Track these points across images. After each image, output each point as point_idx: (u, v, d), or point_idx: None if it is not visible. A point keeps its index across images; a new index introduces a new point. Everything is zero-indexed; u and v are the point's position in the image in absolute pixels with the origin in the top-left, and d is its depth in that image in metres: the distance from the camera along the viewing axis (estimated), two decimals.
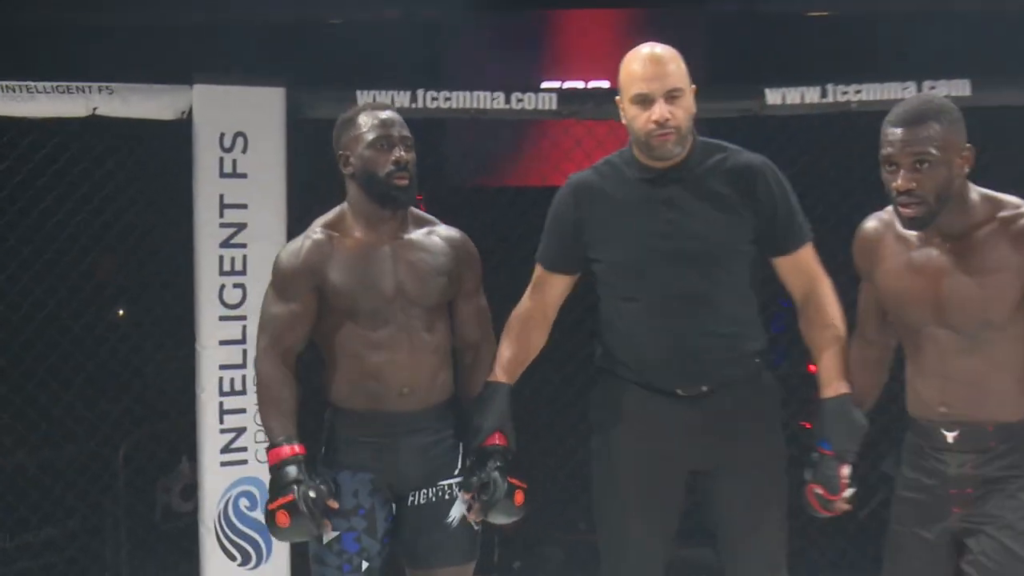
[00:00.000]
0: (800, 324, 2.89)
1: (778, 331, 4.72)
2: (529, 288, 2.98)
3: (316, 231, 2.90)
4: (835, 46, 6.12)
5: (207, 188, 4.29)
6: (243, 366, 4.35)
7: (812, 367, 5.34)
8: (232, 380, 4.34)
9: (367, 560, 2.83)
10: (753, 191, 2.78)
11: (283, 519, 2.73)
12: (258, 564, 4.41)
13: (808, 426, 5.26)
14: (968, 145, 2.54)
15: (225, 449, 4.35)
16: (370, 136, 2.84)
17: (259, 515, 4.38)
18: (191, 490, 4.47)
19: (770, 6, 6.66)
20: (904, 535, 2.71)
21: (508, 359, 2.89)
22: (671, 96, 2.70)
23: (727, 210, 2.77)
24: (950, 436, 2.60)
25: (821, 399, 2.81)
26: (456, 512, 2.90)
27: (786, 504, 2.91)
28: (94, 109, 4.12)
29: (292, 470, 2.75)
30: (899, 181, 2.46)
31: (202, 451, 4.36)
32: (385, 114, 2.89)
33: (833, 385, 2.79)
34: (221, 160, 4.30)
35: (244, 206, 4.30)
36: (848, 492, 2.73)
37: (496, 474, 2.76)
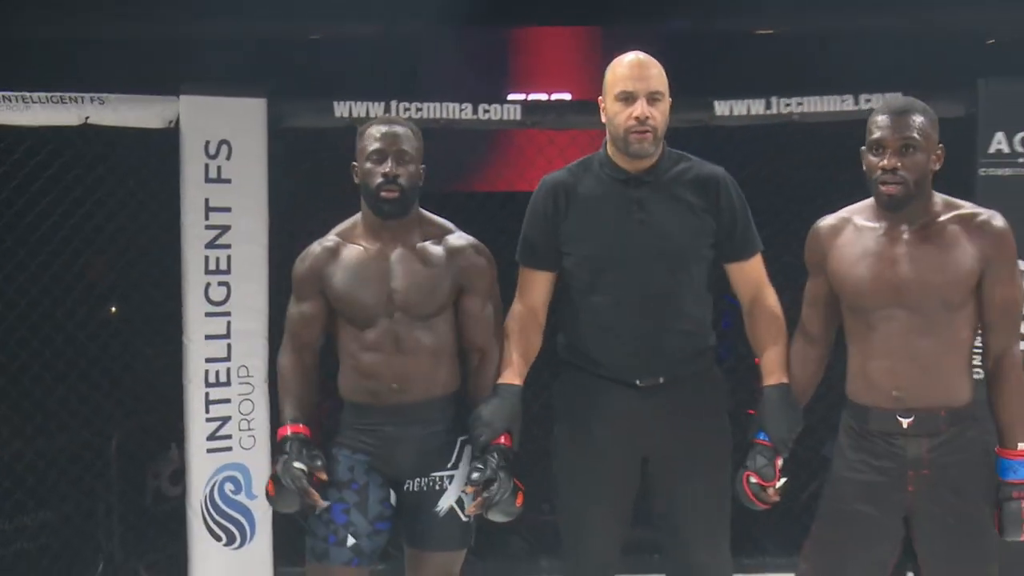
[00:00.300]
0: (747, 323, 2.95)
1: (726, 327, 4.77)
2: (517, 291, 3.00)
3: (329, 238, 2.97)
4: (779, 62, 6.18)
5: (193, 192, 4.32)
6: (227, 359, 4.38)
7: (758, 360, 5.41)
8: (217, 372, 4.37)
9: (354, 536, 2.84)
10: (716, 200, 2.84)
11: (270, 488, 2.84)
12: (242, 544, 4.44)
13: (753, 413, 5.34)
14: (940, 144, 2.70)
15: (211, 437, 4.38)
16: (369, 149, 2.87)
17: (243, 498, 4.42)
18: (179, 475, 4.48)
19: (720, 25, 6.72)
20: (846, 512, 2.75)
21: (515, 360, 2.89)
22: (652, 98, 2.76)
23: (692, 215, 2.82)
24: (905, 422, 2.67)
25: (763, 387, 2.87)
26: (444, 503, 2.92)
27: (730, 490, 2.94)
28: (86, 118, 4.14)
29: (286, 446, 2.83)
30: (886, 160, 2.59)
31: (189, 439, 4.39)
32: (387, 128, 2.90)
33: (775, 375, 2.85)
34: (206, 166, 4.33)
35: (228, 209, 4.34)
36: (781, 482, 2.76)
37: (503, 473, 2.77)
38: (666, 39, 6.28)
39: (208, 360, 4.36)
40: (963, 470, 2.68)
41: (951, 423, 2.67)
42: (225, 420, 4.40)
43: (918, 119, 2.63)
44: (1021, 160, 4.38)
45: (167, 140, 4.32)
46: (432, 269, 2.89)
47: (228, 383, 4.38)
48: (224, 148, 4.33)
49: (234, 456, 4.41)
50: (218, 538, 4.41)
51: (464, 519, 2.93)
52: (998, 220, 2.70)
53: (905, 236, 2.68)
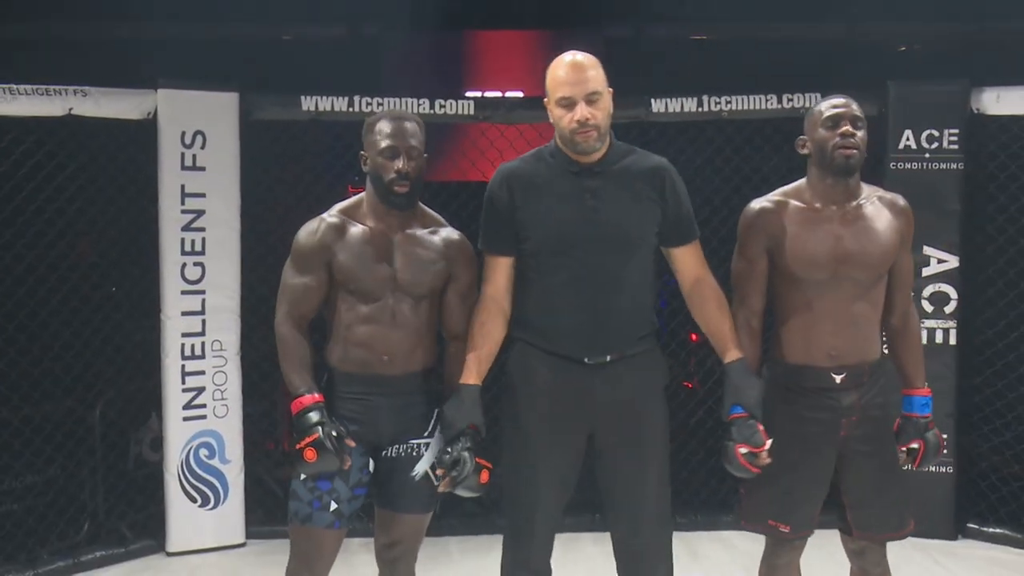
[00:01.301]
0: (692, 304, 2.88)
1: (663, 306, 4.77)
2: (483, 278, 2.90)
3: (333, 214, 2.87)
4: (711, 65, 6.19)
5: (170, 179, 4.26)
6: (202, 334, 4.33)
7: (694, 336, 5.42)
8: (192, 346, 4.31)
9: (336, 502, 2.80)
10: (662, 189, 2.79)
11: (311, 455, 2.72)
12: (216, 505, 4.39)
13: (690, 386, 5.35)
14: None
15: (187, 406, 4.34)
16: (381, 145, 2.78)
17: (216, 463, 4.36)
18: (160, 442, 4.42)
19: (658, 30, 6.71)
20: (786, 460, 2.77)
21: (475, 359, 2.82)
22: (590, 99, 2.68)
23: (640, 203, 2.77)
24: (838, 378, 2.79)
25: (725, 364, 2.81)
26: (420, 468, 2.88)
27: (668, 460, 2.90)
28: (70, 109, 4.05)
29: (314, 415, 2.74)
30: (846, 127, 2.73)
31: (166, 408, 4.34)
32: (398, 124, 2.80)
33: (733, 351, 2.80)
34: (182, 155, 4.28)
35: (203, 195, 4.29)
36: (769, 442, 2.72)
37: (466, 454, 2.74)
38: (608, 43, 6.27)
39: (184, 335, 4.30)
40: (881, 411, 2.85)
41: (871, 374, 2.82)
42: (200, 390, 4.35)
43: (858, 106, 2.82)
44: (927, 155, 4.41)
45: (145, 131, 4.25)
46: (430, 254, 2.84)
47: (203, 356, 4.33)
48: (199, 138, 4.27)
49: (208, 424, 4.36)
50: (193, 500, 4.36)
51: (436, 483, 2.90)
52: (904, 201, 2.89)
53: (841, 214, 2.79)
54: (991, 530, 4.47)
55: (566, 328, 2.76)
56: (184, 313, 4.28)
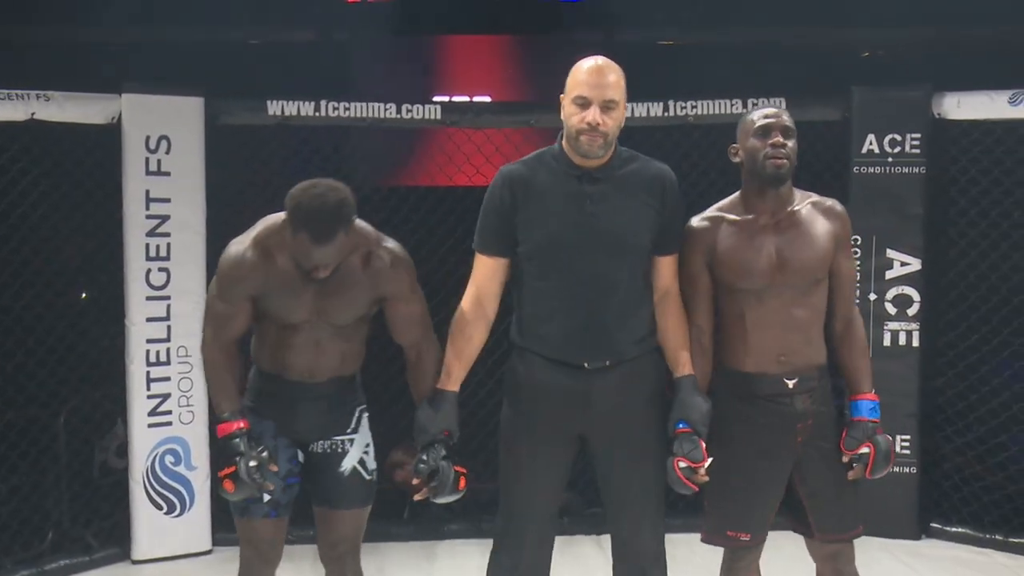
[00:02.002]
0: (657, 312, 2.86)
1: None
2: (471, 278, 2.87)
3: (256, 244, 2.75)
4: (679, 69, 6.21)
5: (134, 184, 4.23)
6: (167, 340, 4.30)
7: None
8: (158, 352, 4.28)
9: (269, 494, 2.82)
10: (662, 196, 2.79)
11: (229, 487, 2.75)
12: (182, 512, 4.36)
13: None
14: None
15: (152, 412, 4.31)
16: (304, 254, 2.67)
17: (183, 469, 4.33)
18: (125, 449, 4.38)
19: (626, 36, 6.72)
20: (744, 468, 2.81)
21: (451, 363, 2.81)
22: (606, 106, 2.68)
23: (640, 209, 2.76)
24: (791, 383, 2.80)
25: (674, 379, 2.82)
26: (347, 464, 2.90)
27: (665, 464, 2.87)
28: (32, 114, 4.01)
29: (237, 443, 2.74)
30: (777, 138, 2.75)
31: (132, 414, 4.31)
32: (318, 250, 2.63)
33: (686, 366, 2.82)
34: (147, 160, 4.25)
35: (168, 200, 4.26)
36: (708, 461, 2.74)
37: (444, 463, 2.74)
38: (575, 48, 6.26)
39: (149, 341, 4.26)
40: (829, 415, 2.87)
41: (819, 377, 2.84)
42: (165, 397, 4.31)
43: (789, 116, 2.83)
44: (889, 159, 4.45)
45: (110, 135, 4.21)
46: (352, 285, 2.78)
47: (168, 362, 4.29)
48: (164, 143, 4.24)
49: (174, 430, 4.32)
50: (159, 507, 4.32)
51: (367, 478, 2.92)
52: (840, 205, 2.89)
53: (775, 223, 2.81)
54: (954, 529, 4.51)
55: (564, 333, 2.76)
56: (149, 319, 4.25)
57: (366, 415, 2.99)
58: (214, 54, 6.34)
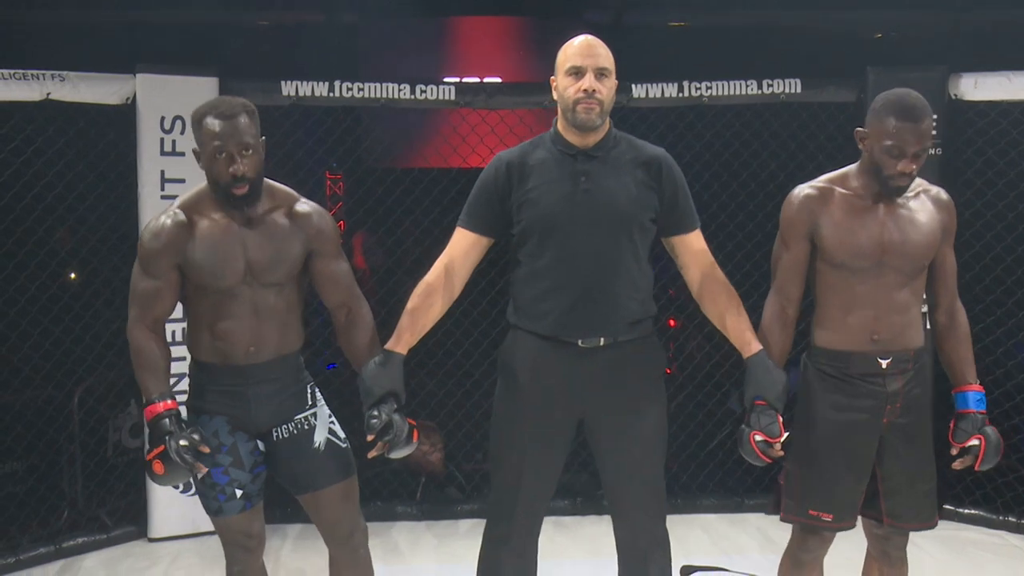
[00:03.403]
0: (702, 301, 2.86)
1: None
2: (443, 253, 2.87)
3: (177, 211, 2.74)
4: (691, 51, 6.20)
5: (149, 165, 4.23)
6: (182, 319, 4.22)
7: (672, 321, 5.42)
8: (173, 332, 4.26)
9: (239, 488, 2.79)
10: (659, 176, 2.79)
11: (158, 467, 2.67)
12: (196, 491, 4.35)
13: (668, 372, 5.37)
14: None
15: None
16: (212, 144, 2.64)
17: None
18: (139, 429, 4.39)
19: (637, 17, 6.71)
20: (831, 449, 2.79)
21: (407, 327, 2.79)
22: (600, 73, 2.71)
23: (636, 188, 2.76)
24: (884, 363, 2.77)
25: (747, 358, 2.79)
26: (319, 438, 2.84)
27: (666, 449, 2.91)
28: (47, 94, 4.01)
29: (165, 424, 2.67)
30: (907, 166, 2.67)
31: None
32: (228, 123, 2.64)
33: (752, 345, 2.79)
34: (162, 140, 4.24)
35: (182, 180, 4.24)
36: (784, 436, 2.72)
37: (396, 417, 2.70)
38: (587, 30, 6.25)
39: None
40: (921, 400, 2.84)
41: (916, 359, 2.81)
42: (180, 377, 4.32)
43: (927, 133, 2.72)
44: None
45: (124, 116, 4.21)
46: (283, 237, 2.74)
47: (183, 342, 4.27)
48: (178, 123, 4.23)
49: (187, 410, 4.33)
50: (175, 486, 4.33)
51: (343, 446, 2.87)
52: (947, 195, 2.85)
53: (887, 203, 2.76)
54: (967, 511, 4.52)
55: (559, 310, 2.75)
56: None
57: (317, 389, 2.92)
58: (225, 35, 6.35)
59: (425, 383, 4.93)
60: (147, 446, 2.77)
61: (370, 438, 2.70)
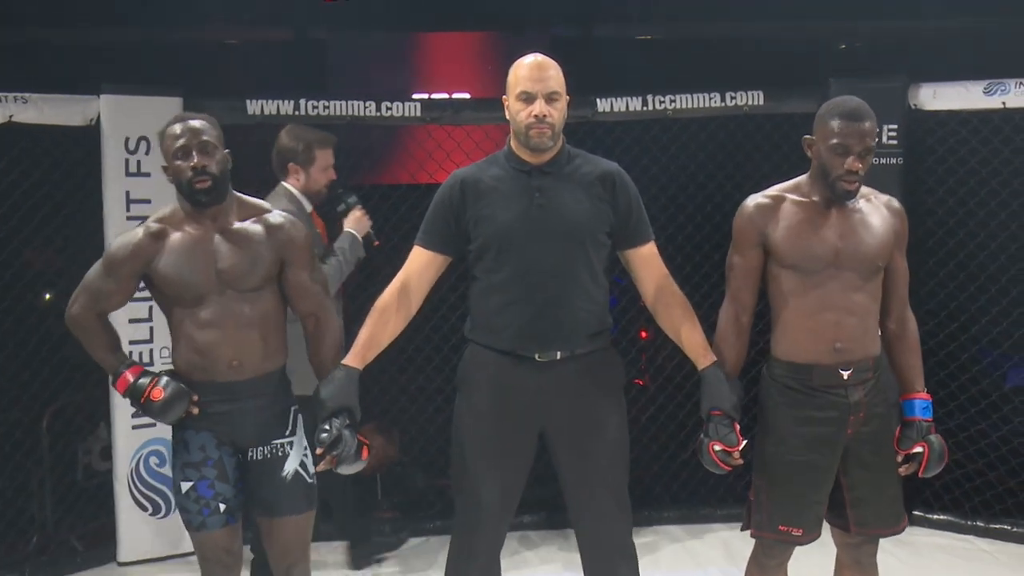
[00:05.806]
0: (657, 313, 2.89)
1: (613, 304, 4.81)
2: (400, 271, 2.89)
3: (150, 224, 2.83)
4: (659, 64, 6.24)
5: (114, 185, 4.23)
6: (150, 341, 4.29)
7: (644, 333, 5.44)
8: (140, 354, 4.27)
9: (223, 502, 2.82)
10: (612, 191, 2.82)
11: (158, 393, 2.77)
12: (167, 514, 4.35)
13: (640, 383, 5.40)
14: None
15: (136, 414, 4.28)
16: (174, 147, 2.77)
17: (167, 471, 4.31)
18: (109, 451, 4.37)
19: (604, 31, 6.75)
20: (797, 463, 2.80)
21: (363, 343, 2.81)
22: (550, 98, 2.74)
23: (589, 202, 2.80)
24: (846, 374, 2.78)
25: (701, 370, 2.83)
26: (289, 467, 2.87)
27: (628, 459, 2.92)
28: (10, 117, 4.00)
29: (143, 382, 2.80)
30: (853, 163, 2.71)
31: (115, 417, 4.28)
32: (186, 125, 2.79)
33: (706, 356, 2.83)
34: (127, 161, 4.24)
35: (148, 201, 4.23)
36: (743, 444, 2.76)
37: (347, 432, 2.72)
38: (555, 44, 6.31)
39: (132, 342, 4.24)
40: (884, 408, 2.86)
41: (874, 369, 2.83)
42: None
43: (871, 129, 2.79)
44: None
45: (89, 137, 4.19)
46: (254, 245, 2.80)
47: (151, 363, 4.28)
48: (143, 144, 4.23)
49: (158, 432, 4.30)
50: (144, 508, 4.32)
51: (309, 481, 2.90)
52: (899, 203, 2.90)
53: (839, 208, 2.79)
54: (936, 517, 4.57)
55: (515, 323, 2.77)
56: (131, 320, 4.23)
57: (300, 416, 2.95)
58: (191, 54, 6.34)
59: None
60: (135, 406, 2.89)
61: (319, 451, 2.73)
